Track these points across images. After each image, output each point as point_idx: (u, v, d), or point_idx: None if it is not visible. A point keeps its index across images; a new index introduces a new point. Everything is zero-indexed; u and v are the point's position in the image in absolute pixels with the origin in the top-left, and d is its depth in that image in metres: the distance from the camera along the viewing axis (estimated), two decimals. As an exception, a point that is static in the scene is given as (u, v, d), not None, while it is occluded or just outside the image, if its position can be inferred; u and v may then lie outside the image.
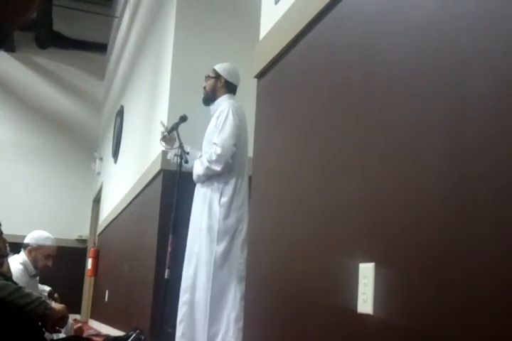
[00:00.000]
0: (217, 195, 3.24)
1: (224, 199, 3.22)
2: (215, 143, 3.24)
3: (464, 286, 1.05)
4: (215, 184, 3.27)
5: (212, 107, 3.47)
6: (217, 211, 3.21)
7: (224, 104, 3.37)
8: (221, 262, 3.14)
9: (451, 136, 1.14)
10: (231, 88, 3.48)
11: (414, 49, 1.29)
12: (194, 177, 3.34)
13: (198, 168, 3.32)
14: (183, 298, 3.19)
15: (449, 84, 1.16)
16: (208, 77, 3.48)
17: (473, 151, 1.07)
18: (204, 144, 3.42)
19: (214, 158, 3.22)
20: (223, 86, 3.45)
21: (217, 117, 3.32)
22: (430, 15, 1.25)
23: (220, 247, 3.15)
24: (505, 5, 1.03)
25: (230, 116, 3.26)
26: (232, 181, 3.25)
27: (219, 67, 3.48)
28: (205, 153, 3.34)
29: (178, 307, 3.22)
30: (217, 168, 3.22)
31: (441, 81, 1.19)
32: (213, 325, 3.07)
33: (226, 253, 3.15)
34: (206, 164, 3.25)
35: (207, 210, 3.23)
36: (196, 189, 3.38)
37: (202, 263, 3.17)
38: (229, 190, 3.24)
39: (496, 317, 0.97)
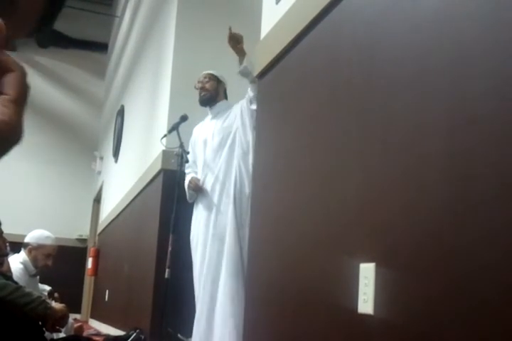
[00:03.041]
0: (247, 190, 3.23)
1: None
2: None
3: (465, 286, 1.05)
4: (245, 176, 3.24)
5: (214, 109, 3.51)
6: (246, 204, 3.19)
7: (234, 107, 3.44)
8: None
9: (452, 136, 1.14)
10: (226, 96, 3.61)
11: (415, 49, 1.29)
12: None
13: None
14: (232, 287, 3.08)
15: (450, 84, 1.16)
16: (209, 78, 3.51)
17: (473, 151, 1.07)
18: (214, 144, 3.39)
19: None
20: (224, 92, 3.57)
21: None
22: (430, 15, 1.25)
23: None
24: (506, 5, 1.03)
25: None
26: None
27: (219, 74, 3.56)
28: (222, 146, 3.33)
29: (221, 296, 3.12)
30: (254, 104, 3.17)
31: (441, 81, 1.19)
32: None
33: None
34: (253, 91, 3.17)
35: (238, 203, 3.23)
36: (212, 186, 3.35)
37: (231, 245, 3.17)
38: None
39: (495, 317, 0.97)
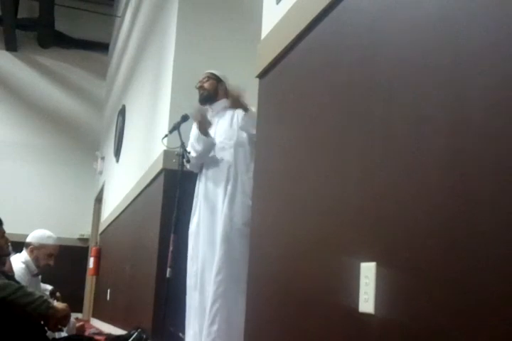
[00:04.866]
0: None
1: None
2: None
3: (465, 285, 1.05)
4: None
5: (215, 107, 3.53)
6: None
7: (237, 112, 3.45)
8: None
9: (452, 136, 1.14)
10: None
11: (415, 48, 1.29)
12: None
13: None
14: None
15: (450, 82, 1.16)
16: (208, 78, 3.53)
17: (473, 151, 1.08)
18: (218, 141, 3.41)
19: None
20: (224, 91, 3.56)
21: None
22: (431, 15, 1.25)
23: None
24: (506, 5, 1.04)
25: None
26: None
27: (219, 74, 3.57)
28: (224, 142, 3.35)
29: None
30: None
31: (442, 80, 1.19)
32: None
33: None
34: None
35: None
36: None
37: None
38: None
39: (496, 317, 0.97)
